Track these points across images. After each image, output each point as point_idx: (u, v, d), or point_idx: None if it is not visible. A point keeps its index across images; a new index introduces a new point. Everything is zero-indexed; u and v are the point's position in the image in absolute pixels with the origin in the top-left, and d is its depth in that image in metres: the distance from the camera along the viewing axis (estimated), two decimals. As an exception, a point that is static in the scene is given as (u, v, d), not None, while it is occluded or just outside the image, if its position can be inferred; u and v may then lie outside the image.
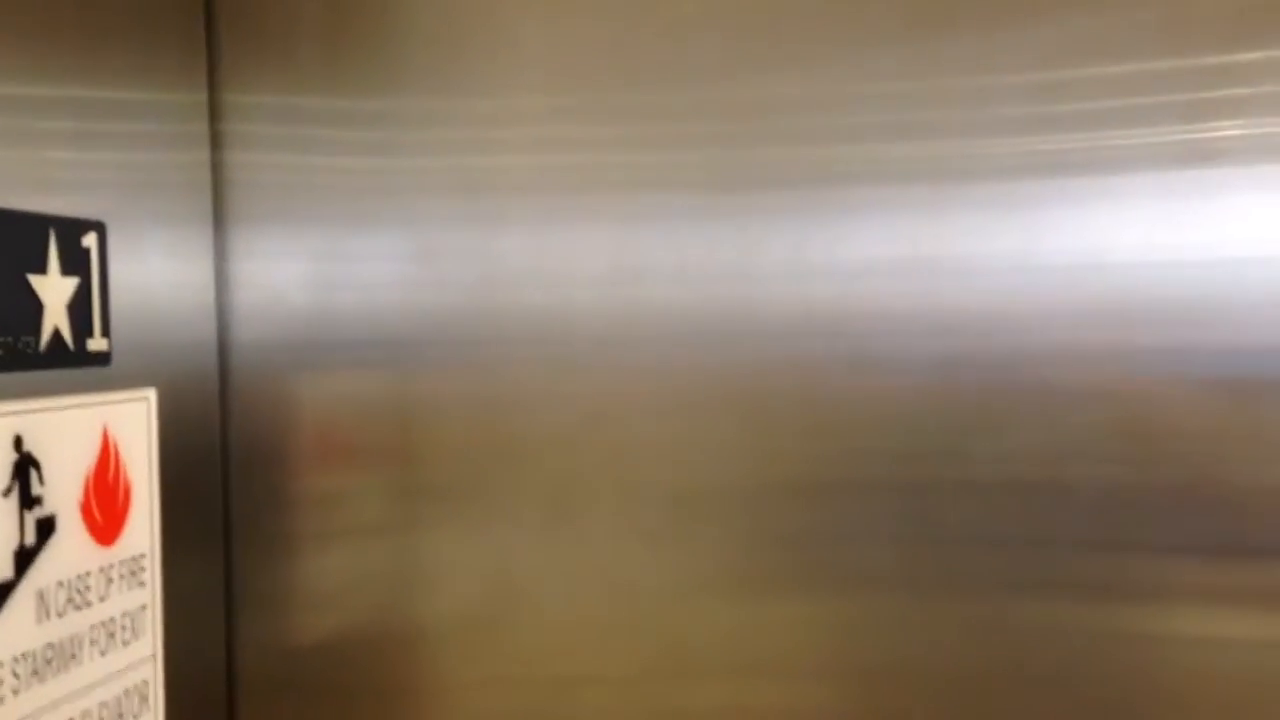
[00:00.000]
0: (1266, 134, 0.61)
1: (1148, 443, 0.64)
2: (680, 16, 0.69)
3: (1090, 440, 0.64)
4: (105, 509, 0.60)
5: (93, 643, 0.60)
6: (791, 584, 0.69)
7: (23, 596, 0.55)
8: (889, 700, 0.68)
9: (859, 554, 0.68)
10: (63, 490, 0.58)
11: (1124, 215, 0.63)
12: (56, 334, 0.58)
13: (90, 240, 0.60)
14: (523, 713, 0.73)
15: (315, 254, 0.74)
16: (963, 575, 0.66)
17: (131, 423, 0.63)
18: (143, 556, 0.63)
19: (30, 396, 0.56)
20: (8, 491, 0.55)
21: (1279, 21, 0.61)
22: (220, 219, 0.74)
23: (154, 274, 0.67)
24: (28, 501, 0.56)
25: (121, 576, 0.62)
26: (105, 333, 0.61)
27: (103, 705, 0.60)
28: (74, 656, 0.58)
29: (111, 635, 0.61)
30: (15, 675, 0.55)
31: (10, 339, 0.55)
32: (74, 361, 0.59)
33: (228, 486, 0.75)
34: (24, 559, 0.55)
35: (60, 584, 0.58)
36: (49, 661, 0.57)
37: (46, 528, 0.57)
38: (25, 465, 0.55)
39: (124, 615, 0.62)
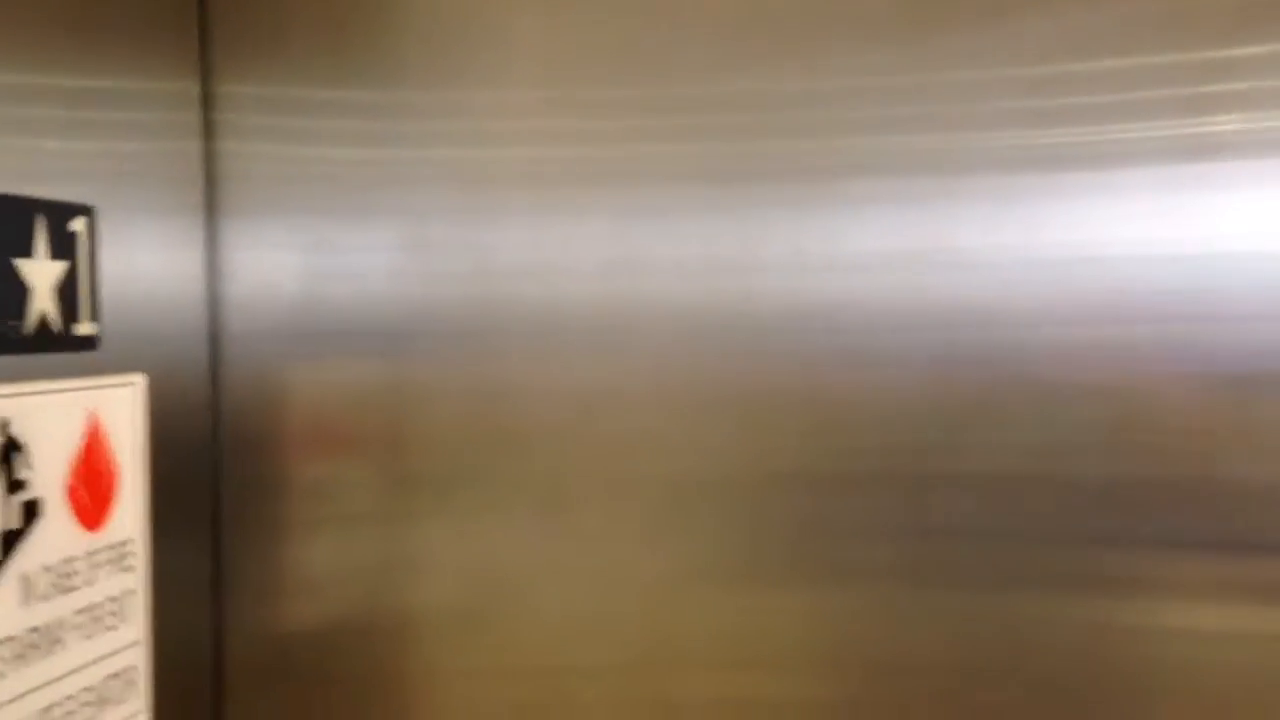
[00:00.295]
0: (1265, 129, 0.61)
1: (1144, 437, 0.63)
2: (677, 9, 0.69)
3: (1087, 434, 0.64)
4: (92, 493, 0.61)
5: (78, 627, 0.60)
6: (786, 576, 0.69)
7: (7, 580, 0.55)
8: (885, 693, 0.68)
9: (855, 547, 0.68)
10: (49, 474, 0.58)
11: (1122, 210, 0.63)
12: (43, 318, 0.58)
13: (79, 225, 0.60)
14: (513, 703, 0.73)
15: (308, 245, 0.74)
16: (958, 568, 0.66)
17: (120, 408, 0.63)
18: (130, 542, 0.64)
19: (17, 380, 0.56)
20: (-7, 474, 0.55)
21: (1278, 17, 0.60)
22: (213, 209, 0.74)
23: (145, 263, 0.67)
24: (13, 485, 0.56)
25: (108, 561, 0.62)
26: (94, 317, 0.61)
27: (88, 690, 0.60)
28: (59, 641, 0.58)
29: (97, 620, 0.61)
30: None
31: (-4, 322, 0.56)
32: (61, 345, 0.59)
33: (218, 474, 0.75)
34: (9, 542, 0.56)
35: (46, 568, 0.58)
36: (34, 645, 0.57)
37: (32, 511, 0.57)
38: (10, 449, 0.56)
39: (110, 600, 0.62)
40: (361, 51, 0.73)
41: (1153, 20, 0.62)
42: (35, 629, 0.57)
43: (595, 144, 0.70)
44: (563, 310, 0.71)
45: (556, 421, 0.71)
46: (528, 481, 0.72)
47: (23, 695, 0.56)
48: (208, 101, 0.73)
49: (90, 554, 0.61)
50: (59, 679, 0.59)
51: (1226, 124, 0.62)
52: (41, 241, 0.58)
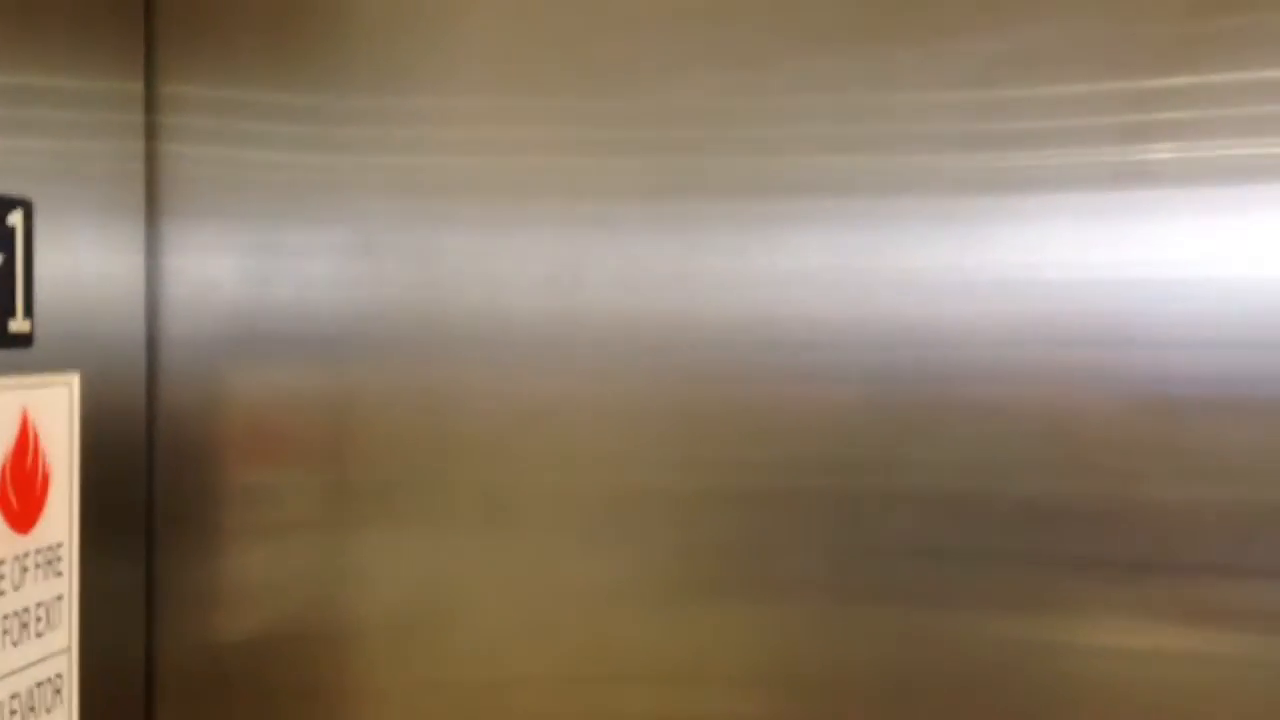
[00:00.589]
0: (1199, 158, 0.62)
1: (1074, 458, 0.64)
2: (625, 22, 0.69)
3: (1019, 454, 0.65)
4: (21, 495, 0.59)
5: (5, 633, 0.59)
6: (724, 591, 0.69)
7: (-68, 582, 0.54)
8: (818, 709, 0.68)
9: (791, 562, 0.68)
10: (-22, 474, 0.57)
11: (1058, 234, 0.64)
12: (-24, 313, 0.57)
13: (15, 219, 0.59)
14: (450, 715, 0.72)
15: (250, 249, 0.73)
16: (893, 585, 0.66)
17: (53, 408, 0.62)
18: (60, 545, 0.62)
19: (-53, 378, 0.55)
20: (-81, 473, 0.54)
21: (1214, 47, 0.62)
22: (153, 211, 0.73)
23: (83, 262, 0.66)
24: (-60, 484, 0.55)
25: (37, 565, 0.61)
26: (29, 314, 0.60)
27: (14, 697, 0.59)
28: (-16, 645, 0.57)
29: (25, 625, 0.60)
30: (-79, 662, 0.54)
31: (-74, 316, 0.55)
32: (-6, 342, 0.58)
33: (153, 479, 0.73)
34: (-66, 543, 0.55)
35: (-28, 570, 0.57)
36: (-42, 650, 0.56)
37: (-41, 512, 0.56)
38: (-61, 447, 0.55)
39: (39, 605, 0.61)
40: (309, 56, 0.72)
41: (1091, 49, 0.63)
42: (-40, 633, 0.56)
43: (541, 153, 0.70)
44: (506, 320, 0.71)
45: (498, 431, 0.71)
46: (468, 491, 0.72)
47: (-55, 701, 0.55)
48: (151, 103, 0.72)
49: (18, 557, 0.59)
50: (-17, 685, 0.58)
51: (1161, 152, 0.63)
52: (-24, 235, 0.57)
